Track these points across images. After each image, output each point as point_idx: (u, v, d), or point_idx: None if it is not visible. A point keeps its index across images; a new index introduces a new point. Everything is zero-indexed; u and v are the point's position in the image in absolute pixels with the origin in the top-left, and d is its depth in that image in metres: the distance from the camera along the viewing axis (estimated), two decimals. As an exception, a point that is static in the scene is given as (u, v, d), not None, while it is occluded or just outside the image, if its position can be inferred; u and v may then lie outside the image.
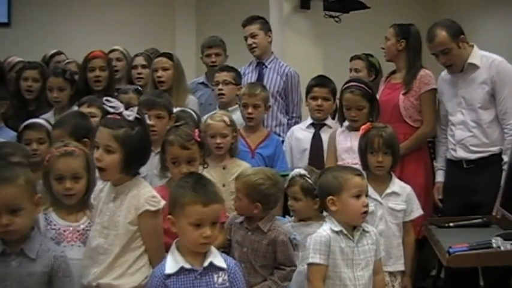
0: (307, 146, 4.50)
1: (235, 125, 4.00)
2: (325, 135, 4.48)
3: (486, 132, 4.13)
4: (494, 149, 4.12)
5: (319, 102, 4.51)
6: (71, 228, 2.99)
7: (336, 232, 3.02)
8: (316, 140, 4.51)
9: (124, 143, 2.79)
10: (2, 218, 2.53)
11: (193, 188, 2.61)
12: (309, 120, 4.63)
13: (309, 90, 4.60)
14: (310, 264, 3.03)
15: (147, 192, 2.85)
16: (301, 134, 4.59)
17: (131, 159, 2.82)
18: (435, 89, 4.46)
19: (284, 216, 3.74)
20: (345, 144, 4.16)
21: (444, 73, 4.37)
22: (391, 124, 3.97)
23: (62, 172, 2.99)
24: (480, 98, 4.14)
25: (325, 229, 3.04)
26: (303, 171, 3.55)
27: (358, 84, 4.21)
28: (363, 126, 3.73)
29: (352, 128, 4.12)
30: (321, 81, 4.61)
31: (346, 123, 4.27)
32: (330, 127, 4.53)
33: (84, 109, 4.03)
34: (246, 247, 3.29)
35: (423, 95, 4.44)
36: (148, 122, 3.46)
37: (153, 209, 2.80)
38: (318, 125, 4.57)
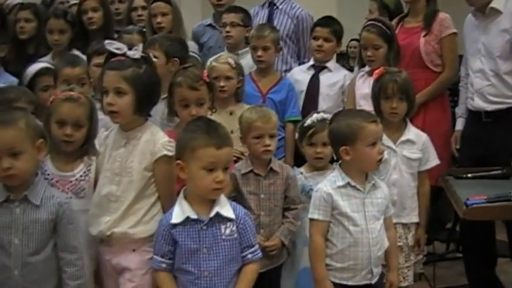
0: (304, 87, 4.51)
1: (242, 68, 4.01)
2: (324, 78, 4.51)
3: (505, 83, 4.04)
4: None
5: (320, 42, 4.50)
6: (63, 179, 3.01)
7: (342, 186, 3.04)
8: (314, 82, 4.51)
9: (134, 83, 2.83)
10: (3, 161, 2.58)
11: (206, 131, 2.63)
12: (311, 62, 4.63)
13: (312, 30, 4.61)
14: (310, 220, 3.09)
15: (162, 137, 2.91)
16: (300, 75, 4.58)
17: (144, 98, 2.86)
18: (456, 33, 4.44)
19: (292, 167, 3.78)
20: (363, 90, 4.16)
21: (470, 15, 4.29)
22: (411, 70, 3.98)
23: (64, 117, 3.00)
24: (499, 46, 4.04)
25: (326, 184, 3.07)
26: (325, 115, 3.56)
27: (375, 23, 4.21)
28: (376, 71, 3.72)
29: (371, 73, 4.05)
30: (324, 21, 4.61)
31: (367, 68, 4.28)
32: (331, 70, 4.55)
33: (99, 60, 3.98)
34: (263, 194, 3.36)
35: (444, 39, 4.41)
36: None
37: (170, 154, 2.84)
38: (318, 67, 4.56)
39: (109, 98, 2.85)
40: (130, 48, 2.91)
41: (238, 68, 3.96)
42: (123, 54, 2.89)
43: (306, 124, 3.58)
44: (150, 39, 4.06)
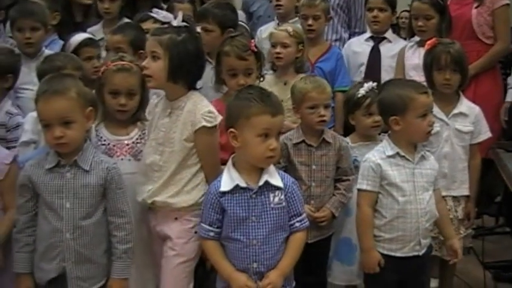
0: (364, 60, 4.49)
1: (303, 37, 3.94)
2: (384, 49, 4.48)
3: None
4: None
5: (375, 13, 4.47)
6: (120, 143, 3.05)
7: (391, 156, 3.01)
8: (374, 54, 4.48)
9: (168, 48, 2.83)
10: (55, 130, 2.60)
11: (261, 99, 2.61)
12: (369, 33, 4.60)
13: (365, 1, 4.58)
14: (358, 190, 3.07)
15: (203, 107, 2.87)
16: (359, 47, 4.58)
17: (177, 65, 2.84)
18: (508, 5, 4.38)
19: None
20: (413, 61, 4.12)
21: None
22: (463, 41, 3.90)
23: (117, 87, 3.03)
24: None
25: (375, 154, 3.04)
26: (373, 84, 3.51)
27: None
28: (428, 42, 3.65)
29: (422, 44, 4.03)
30: None
31: (416, 38, 4.23)
32: (390, 41, 4.52)
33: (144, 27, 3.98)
34: (315, 165, 3.32)
35: (497, 11, 4.35)
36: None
37: (209, 125, 2.83)
38: (377, 38, 4.53)
39: (145, 61, 2.88)
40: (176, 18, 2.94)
41: (298, 37, 3.89)
42: (168, 23, 2.91)
43: (360, 94, 3.50)
44: (201, 11, 4.04)
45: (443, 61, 3.48)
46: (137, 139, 3.07)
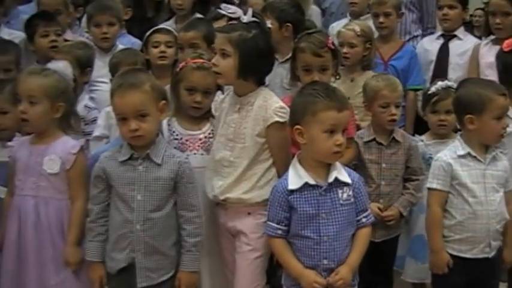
0: (434, 57, 4.46)
1: (370, 36, 3.94)
2: (453, 47, 4.45)
3: None
4: None
5: (445, 11, 4.45)
6: (193, 138, 3.10)
7: (462, 156, 2.96)
8: (443, 51, 4.45)
9: (238, 46, 2.80)
10: (130, 123, 2.65)
11: (326, 94, 2.61)
12: (439, 32, 4.59)
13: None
14: (428, 189, 3.02)
15: (274, 103, 2.86)
16: (429, 45, 4.57)
17: (247, 63, 2.82)
18: None
19: (413, 135, 3.73)
20: (488, 59, 4.05)
21: None
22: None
23: (195, 85, 3.07)
24: None
25: (446, 154, 3.00)
26: (449, 83, 3.50)
27: None
28: (507, 41, 3.58)
29: (497, 42, 3.97)
30: None
31: (491, 36, 4.18)
32: (460, 39, 4.48)
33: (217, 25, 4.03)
34: (385, 163, 3.33)
35: None
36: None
37: (282, 120, 2.82)
38: (447, 36, 4.51)
39: (214, 58, 2.88)
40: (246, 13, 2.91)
41: (365, 36, 3.90)
42: (238, 18, 2.89)
43: (430, 91, 3.52)
44: (263, 6, 4.04)
45: None
46: (209, 134, 3.10)
